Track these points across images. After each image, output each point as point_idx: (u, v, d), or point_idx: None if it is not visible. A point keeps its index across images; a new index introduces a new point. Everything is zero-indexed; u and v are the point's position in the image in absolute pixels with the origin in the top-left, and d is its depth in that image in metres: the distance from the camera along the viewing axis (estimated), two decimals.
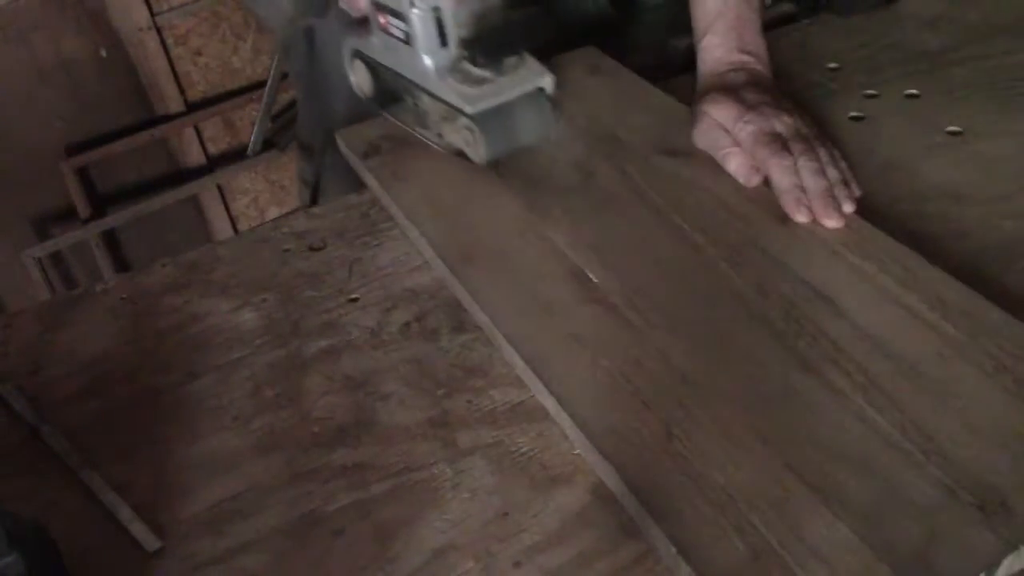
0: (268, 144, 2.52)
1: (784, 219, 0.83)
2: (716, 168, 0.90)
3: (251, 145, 2.51)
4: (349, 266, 0.89)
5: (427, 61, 0.82)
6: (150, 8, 2.29)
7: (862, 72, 1.09)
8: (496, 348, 0.78)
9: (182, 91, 2.44)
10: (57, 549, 0.62)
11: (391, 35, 0.83)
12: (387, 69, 0.88)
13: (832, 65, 1.11)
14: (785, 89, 0.95)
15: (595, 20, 1.20)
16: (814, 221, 0.81)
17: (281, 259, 0.91)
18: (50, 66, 2.26)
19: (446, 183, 0.93)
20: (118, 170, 2.45)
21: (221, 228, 2.66)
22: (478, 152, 0.84)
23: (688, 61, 1.01)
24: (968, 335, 0.70)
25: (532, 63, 0.84)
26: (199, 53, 2.43)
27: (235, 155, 2.56)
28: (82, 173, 2.39)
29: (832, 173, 0.83)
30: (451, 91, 0.82)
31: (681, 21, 1.02)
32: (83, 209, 2.37)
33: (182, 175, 2.53)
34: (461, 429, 0.72)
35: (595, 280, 0.80)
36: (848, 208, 0.81)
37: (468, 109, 0.81)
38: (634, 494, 0.63)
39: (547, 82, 0.84)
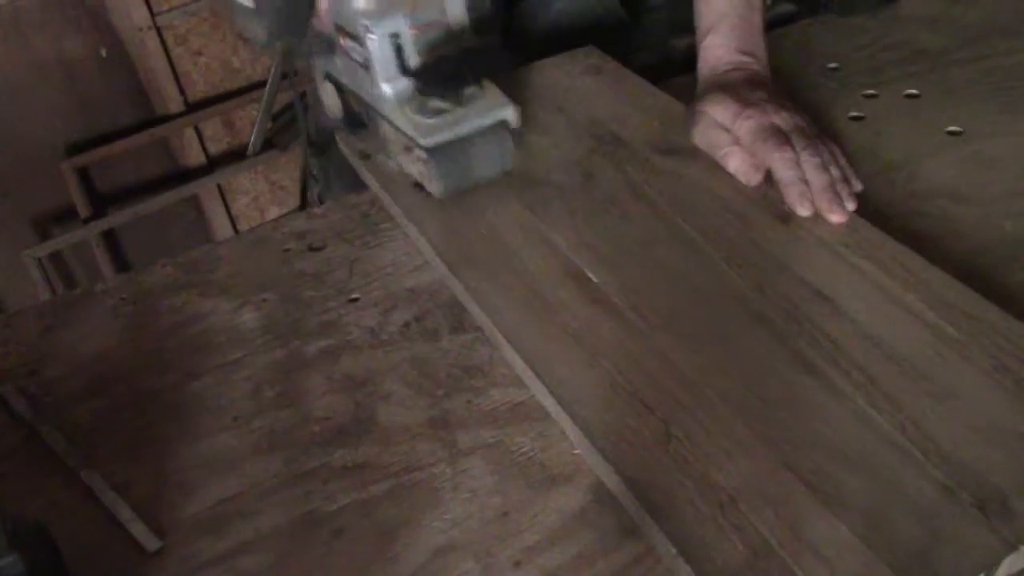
0: (268, 144, 2.52)
1: (784, 219, 0.83)
2: (716, 168, 0.90)
3: (251, 145, 2.51)
4: (349, 266, 0.89)
5: (385, 88, 0.79)
6: (150, 8, 2.29)
7: (862, 72, 1.09)
8: (496, 348, 0.78)
9: (182, 91, 2.44)
10: (57, 549, 0.62)
11: (352, 59, 0.81)
12: (352, 93, 0.86)
13: (832, 65, 1.11)
14: (785, 89, 0.95)
15: (603, 20, 1.20)
16: (816, 216, 0.81)
17: (281, 259, 0.91)
18: (50, 66, 2.25)
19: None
20: (118, 170, 2.45)
21: (221, 228, 2.66)
22: (432, 186, 0.82)
23: (689, 61, 1.01)
24: (968, 335, 0.70)
25: (494, 93, 0.80)
26: (199, 53, 2.43)
27: (235, 155, 2.56)
28: (82, 173, 2.38)
29: (834, 170, 0.83)
30: (408, 121, 0.79)
31: (681, 21, 1.02)
32: (83, 209, 2.37)
33: (182, 175, 2.53)
34: (461, 429, 0.72)
35: (595, 280, 0.80)
36: (851, 206, 0.82)
37: (423, 141, 0.78)
38: (634, 494, 0.63)
39: (509, 114, 0.81)
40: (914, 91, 1.04)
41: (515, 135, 0.82)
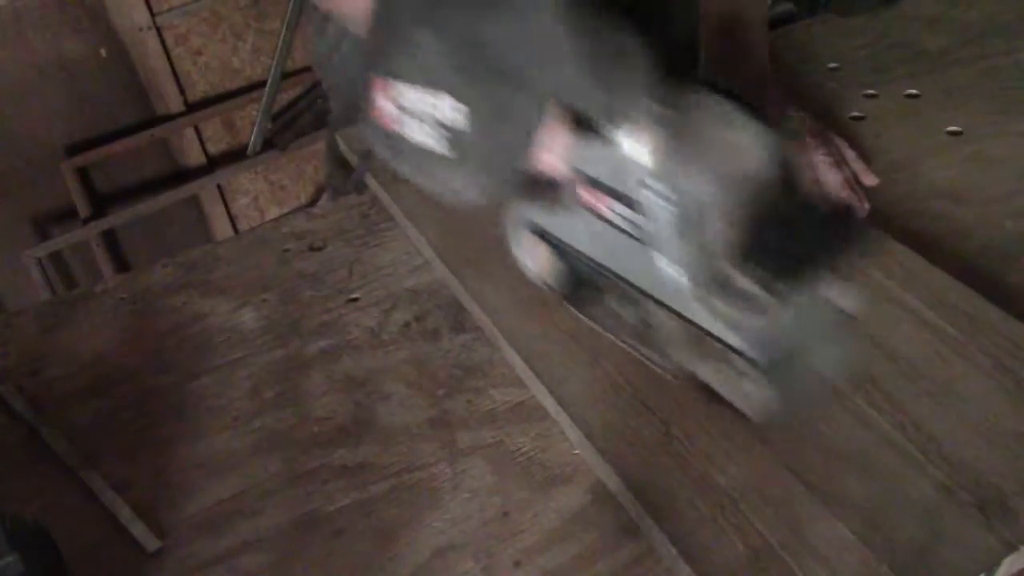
0: (268, 144, 2.52)
1: None
2: None
3: (251, 145, 2.50)
4: (349, 266, 0.89)
5: (672, 269, 0.55)
6: (150, 8, 2.29)
7: (862, 72, 1.09)
8: (496, 348, 0.78)
9: (182, 91, 2.43)
10: (57, 549, 0.62)
11: (608, 222, 0.58)
12: (590, 261, 0.64)
13: (832, 65, 1.11)
14: (787, 88, 0.95)
15: None
16: None
17: (281, 259, 0.91)
18: (50, 66, 2.25)
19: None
20: (118, 170, 2.45)
21: (221, 228, 2.66)
22: (754, 407, 0.60)
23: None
24: (968, 335, 0.70)
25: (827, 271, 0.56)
26: (199, 53, 2.43)
27: (235, 155, 2.56)
28: (82, 173, 2.38)
29: (845, 168, 0.84)
30: (715, 317, 0.56)
31: None
32: (83, 209, 2.36)
33: (182, 175, 2.53)
34: (461, 429, 0.72)
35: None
36: (866, 204, 0.82)
37: (752, 352, 0.56)
38: (634, 494, 0.63)
39: (849, 301, 0.57)
40: (914, 91, 1.04)
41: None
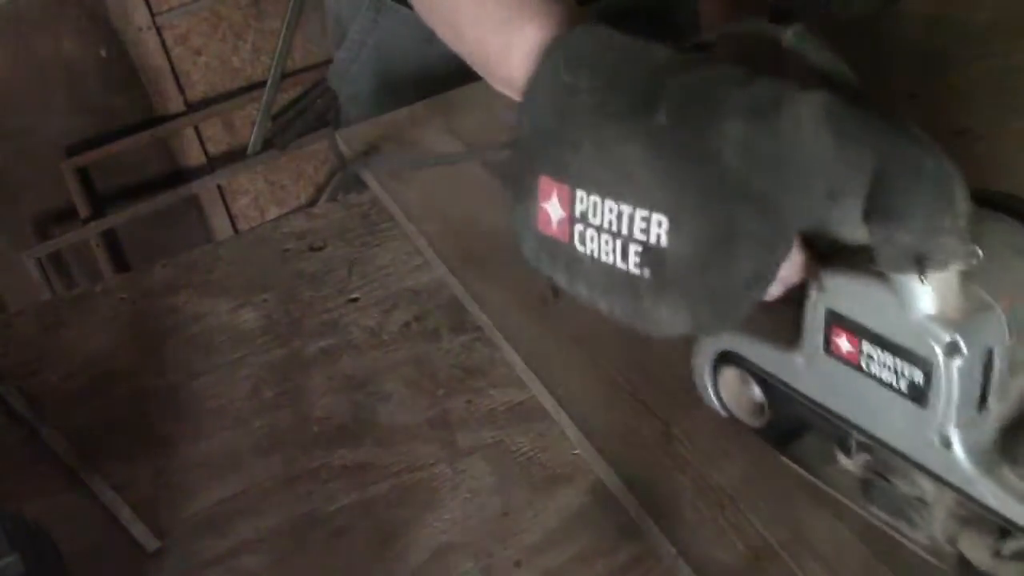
0: (268, 144, 2.52)
1: None
2: None
3: (251, 145, 2.51)
4: (349, 266, 0.89)
5: (953, 435, 0.45)
6: (150, 8, 2.29)
7: (862, 72, 1.09)
8: (496, 348, 0.78)
9: (182, 91, 2.44)
10: (57, 549, 0.62)
11: (868, 374, 0.48)
12: (822, 410, 0.53)
13: None
14: None
15: None
16: None
17: (281, 259, 0.91)
18: (50, 66, 2.25)
19: (446, 183, 0.93)
20: (118, 170, 2.45)
21: (221, 228, 2.66)
22: None
23: None
24: None
25: None
26: (199, 53, 2.43)
27: (235, 155, 2.56)
28: (82, 173, 2.38)
29: None
30: (1006, 492, 0.45)
31: None
32: (83, 209, 2.36)
33: (182, 175, 2.53)
34: (461, 429, 0.72)
35: None
36: None
37: None
38: (634, 494, 0.63)
39: None
40: (914, 91, 1.04)
41: None
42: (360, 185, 0.98)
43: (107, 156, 2.36)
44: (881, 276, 0.44)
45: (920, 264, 0.41)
